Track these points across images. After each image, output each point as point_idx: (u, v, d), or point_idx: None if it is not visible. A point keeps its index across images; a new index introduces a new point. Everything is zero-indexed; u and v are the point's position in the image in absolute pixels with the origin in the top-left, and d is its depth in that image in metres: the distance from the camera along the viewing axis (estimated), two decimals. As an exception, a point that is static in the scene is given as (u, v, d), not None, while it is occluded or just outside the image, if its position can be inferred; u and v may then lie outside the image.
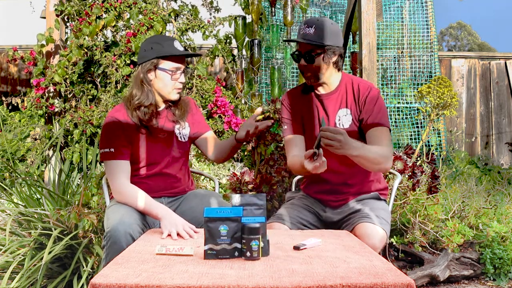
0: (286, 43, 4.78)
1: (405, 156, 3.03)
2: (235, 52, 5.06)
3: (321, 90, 2.41)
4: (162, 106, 2.42)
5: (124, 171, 2.27)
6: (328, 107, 2.38)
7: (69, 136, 4.49)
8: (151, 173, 2.37)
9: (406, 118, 5.52)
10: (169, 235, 2.00)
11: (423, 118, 5.30)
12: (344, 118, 2.34)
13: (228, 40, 4.91)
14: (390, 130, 2.32)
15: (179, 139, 2.45)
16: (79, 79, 4.61)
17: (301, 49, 2.32)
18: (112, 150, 2.27)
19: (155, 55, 2.30)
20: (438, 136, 5.48)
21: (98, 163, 3.81)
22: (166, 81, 2.33)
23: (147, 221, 2.25)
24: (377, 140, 2.26)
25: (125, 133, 2.31)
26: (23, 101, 4.82)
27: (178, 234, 2.00)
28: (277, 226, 2.31)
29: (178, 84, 2.35)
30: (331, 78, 2.37)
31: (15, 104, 5.01)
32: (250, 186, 2.97)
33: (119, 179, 2.26)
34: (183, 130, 2.46)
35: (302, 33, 2.30)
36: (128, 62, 4.49)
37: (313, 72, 2.32)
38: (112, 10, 4.54)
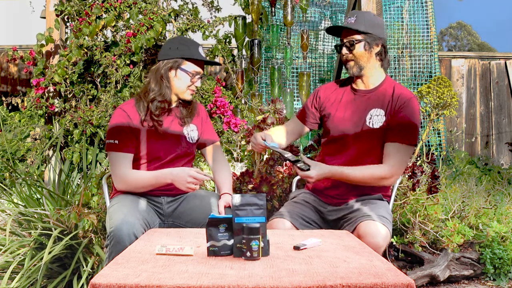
0: (287, 43, 4.78)
1: (405, 156, 3.03)
2: (235, 52, 5.05)
3: (359, 85, 2.39)
4: (174, 104, 2.47)
5: (127, 161, 2.33)
6: (361, 105, 2.35)
7: (69, 136, 4.49)
8: (152, 168, 2.38)
9: (406, 118, 5.50)
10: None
11: (423, 118, 5.29)
12: (375, 118, 2.32)
13: (228, 40, 4.90)
14: (415, 144, 2.29)
15: (188, 139, 2.48)
16: (79, 79, 4.61)
17: (342, 38, 2.35)
18: (117, 142, 2.33)
19: (180, 55, 2.39)
20: (438, 136, 5.47)
21: (98, 163, 3.81)
22: (184, 82, 2.41)
23: (148, 220, 2.25)
24: (386, 155, 2.28)
25: (131, 126, 2.35)
26: (23, 101, 4.82)
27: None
28: (279, 222, 2.31)
29: (193, 86, 2.44)
30: (374, 72, 2.35)
31: (15, 104, 4.99)
32: (250, 186, 2.97)
33: (121, 169, 2.31)
34: (192, 132, 2.50)
35: (344, 23, 2.34)
36: (128, 62, 4.49)
37: (355, 61, 2.32)
38: (112, 10, 4.53)
